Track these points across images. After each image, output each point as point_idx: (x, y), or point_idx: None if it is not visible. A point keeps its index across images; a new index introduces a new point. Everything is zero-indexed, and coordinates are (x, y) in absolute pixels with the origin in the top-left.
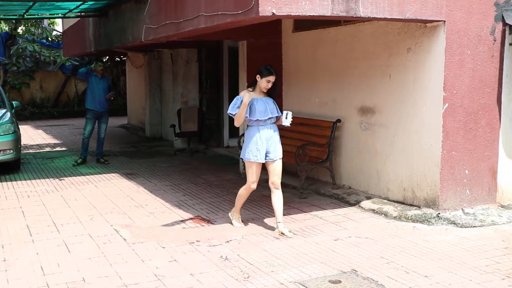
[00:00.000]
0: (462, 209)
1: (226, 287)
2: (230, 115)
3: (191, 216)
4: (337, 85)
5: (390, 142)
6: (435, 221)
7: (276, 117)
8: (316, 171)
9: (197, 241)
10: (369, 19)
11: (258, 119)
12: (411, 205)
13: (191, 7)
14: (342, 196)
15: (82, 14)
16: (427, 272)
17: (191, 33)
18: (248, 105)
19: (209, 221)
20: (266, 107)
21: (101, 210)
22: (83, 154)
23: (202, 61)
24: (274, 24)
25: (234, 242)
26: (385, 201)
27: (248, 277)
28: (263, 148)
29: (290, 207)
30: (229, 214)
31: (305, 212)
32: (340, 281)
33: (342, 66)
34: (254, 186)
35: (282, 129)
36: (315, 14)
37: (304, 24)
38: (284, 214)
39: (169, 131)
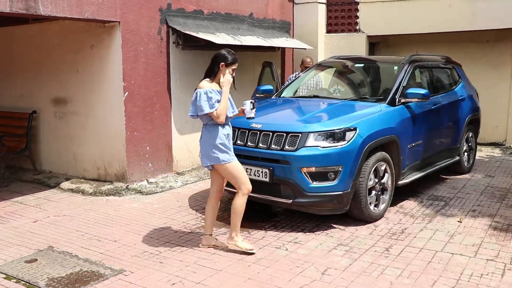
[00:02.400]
0: (146, 179)
1: None
2: (210, 114)
3: None
4: (32, 78)
5: (83, 127)
6: (125, 192)
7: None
8: (18, 160)
9: None
10: (51, 18)
11: (226, 116)
12: (105, 181)
13: None
14: (43, 180)
15: None
16: (116, 237)
17: None
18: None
19: None
20: (229, 102)
21: None
22: None
23: None
24: None
25: None
26: (83, 180)
27: None
28: (231, 146)
29: None
30: (228, 242)
31: (6, 199)
32: (36, 259)
33: (36, 61)
34: (250, 187)
35: None
36: None
37: None
38: None
39: None
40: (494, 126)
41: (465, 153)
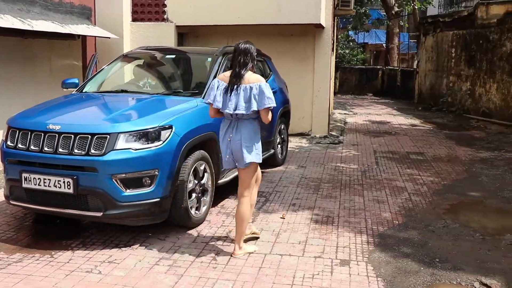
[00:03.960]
0: None
1: None
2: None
3: None
4: None
5: None
6: None
7: None
8: None
9: None
10: None
11: None
12: None
13: None
14: None
15: None
16: None
17: None
18: None
19: None
20: None
21: None
22: None
23: None
24: None
25: None
26: None
27: None
28: None
29: None
30: (235, 254)
31: None
32: None
33: None
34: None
35: None
36: None
37: None
38: None
39: None
40: (300, 117)
41: (279, 146)
